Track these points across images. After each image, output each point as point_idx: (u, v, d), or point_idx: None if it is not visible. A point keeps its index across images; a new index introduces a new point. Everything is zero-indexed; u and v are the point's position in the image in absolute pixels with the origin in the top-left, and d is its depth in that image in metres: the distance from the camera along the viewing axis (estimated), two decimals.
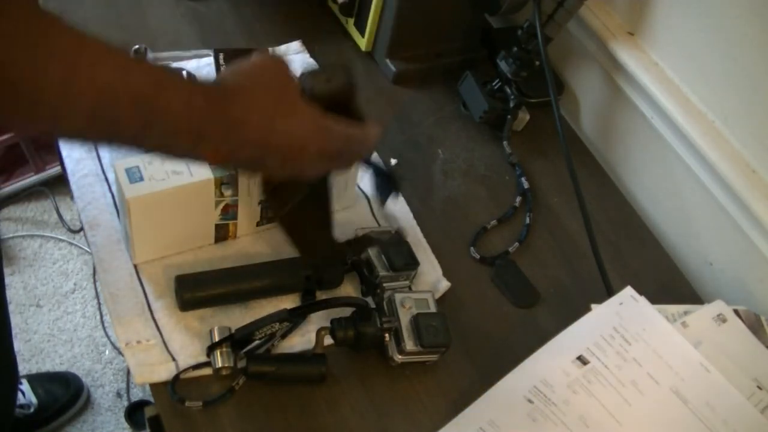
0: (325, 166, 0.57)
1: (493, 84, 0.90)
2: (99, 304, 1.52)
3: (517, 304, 0.76)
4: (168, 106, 0.46)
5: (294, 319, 0.62)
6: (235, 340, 0.62)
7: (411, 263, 0.71)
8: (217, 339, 0.62)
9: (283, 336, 0.66)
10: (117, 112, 0.43)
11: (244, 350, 0.63)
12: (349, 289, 0.72)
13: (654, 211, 0.90)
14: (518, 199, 0.85)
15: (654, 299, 0.70)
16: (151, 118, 0.45)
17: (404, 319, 0.66)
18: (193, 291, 0.66)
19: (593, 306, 0.71)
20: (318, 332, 0.65)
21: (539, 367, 0.66)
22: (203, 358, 0.64)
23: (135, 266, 0.69)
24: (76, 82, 0.41)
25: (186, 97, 0.47)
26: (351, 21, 0.97)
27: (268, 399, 0.64)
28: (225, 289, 0.67)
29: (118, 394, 1.43)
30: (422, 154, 0.88)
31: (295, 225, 0.61)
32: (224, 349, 0.62)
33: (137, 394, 1.42)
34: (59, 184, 1.62)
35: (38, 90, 0.40)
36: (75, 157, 0.77)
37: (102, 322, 1.49)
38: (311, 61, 0.93)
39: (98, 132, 0.46)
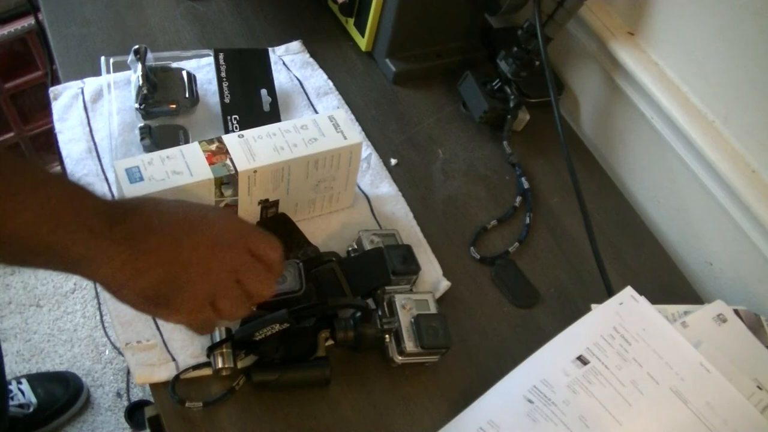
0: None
1: (493, 84, 0.89)
2: (99, 304, 1.51)
3: (517, 304, 0.76)
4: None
5: (294, 320, 0.62)
6: (236, 341, 0.62)
7: (413, 269, 0.70)
8: (217, 340, 0.62)
9: (284, 337, 0.66)
10: None
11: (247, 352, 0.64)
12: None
13: (654, 211, 0.90)
14: (518, 199, 0.85)
15: (654, 299, 0.70)
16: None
17: (404, 320, 0.66)
18: None
19: (593, 306, 0.71)
20: (319, 334, 0.65)
21: (539, 367, 0.66)
22: (203, 358, 0.64)
23: None
24: None
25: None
26: (351, 21, 0.97)
27: (268, 399, 0.64)
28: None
29: (118, 394, 1.43)
30: (422, 154, 0.88)
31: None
32: (224, 350, 0.62)
33: (137, 394, 1.42)
34: None
35: None
36: (75, 157, 0.77)
37: (102, 322, 1.49)
38: (311, 60, 0.93)
39: None
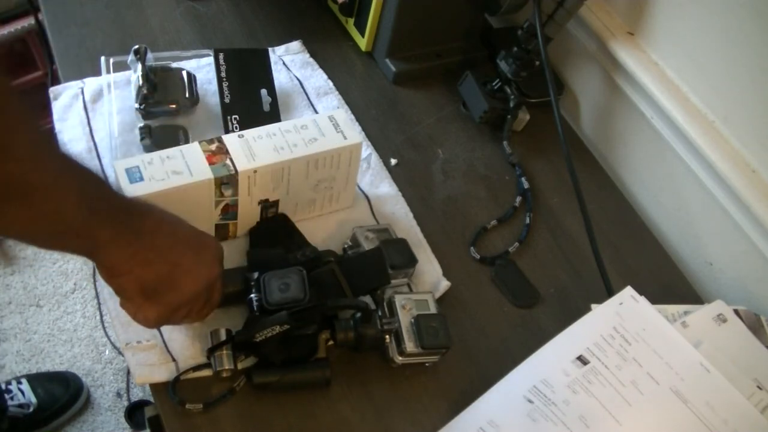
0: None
1: (493, 84, 0.89)
2: (99, 304, 1.51)
3: (517, 304, 0.76)
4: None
5: (294, 321, 0.61)
6: (236, 343, 0.62)
7: (409, 261, 0.70)
8: (217, 341, 0.62)
9: (284, 339, 0.66)
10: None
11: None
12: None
13: (654, 211, 0.90)
14: (518, 199, 0.85)
15: (654, 299, 0.70)
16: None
17: (405, 320, 0.66)
18: None
19: (593, 306, 0.71)
20: (319, 335, 0.65)
21: (539, 367, 0.66)
22: (203, 359, 0.64)
23: None
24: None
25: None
26: (351, 21, 0.97)
27: (268, 400, 0.64)
28: (224, 289, 0.67)
29: (118, 394, 1.43)
30: (422, 154, 0.88)
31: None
32: (225, 352, 0.62)
33: (137, 394, 1.42)
34: None
35: None
36: (75, 157, 0.77)
37: (102, 322, 1.49)
38: (311, 60, 0.93)
39: None
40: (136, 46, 0.80)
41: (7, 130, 0.41)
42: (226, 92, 0.83)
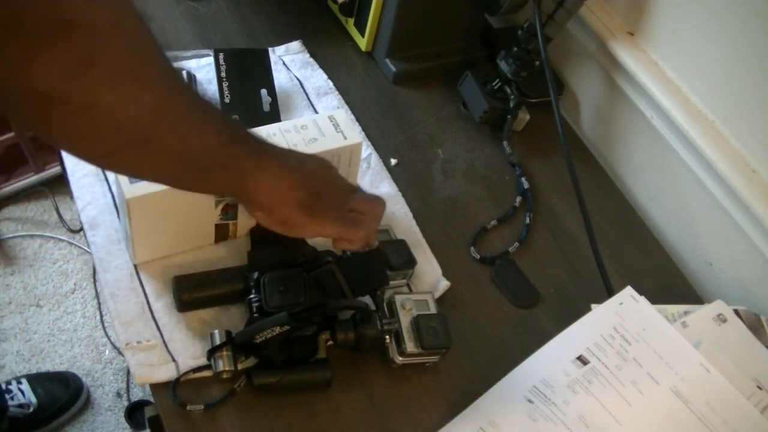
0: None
1: (493, 84, 0.89)
2: (99, 304, 1.51)
3: (517, 304, 0.76)
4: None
5: (294, 322, 0.61)
6: (236, 344, 0.62)
7: (408, 262, 0.70)
8: (217, 342, 0.62)
9: (284, 339, 0.66)
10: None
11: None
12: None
13: (654, 211, 0.90)
14: (518, 199, 0.85)
15: (654, 299, 0.70)
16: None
17: (405, 320, 0.66)
18: (192, 292, 0.66)
19: (593, 306, 0.71)
20: (320, 336, 0.65)
21: (539, 367, 0.66)
22: (204, 359, 0.64)
23: (135, 266, 0.69)
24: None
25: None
26: (351, 21, 0.96)
27: (269, 401, 0.64)
28: (224, 289, 0.67)
29: (118, 394, 1.43)
30: (422, 154, 0.88)
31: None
32: (225, 353, 0.62)
33: (137, 394, 1.42)
34: (59, 184, 1.62)
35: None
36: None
37: (102, 322, 1.49)
38: (311, 61, 0.93)
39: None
40: None
41: (147, 62, 0.42)
42: (226, 92, 0.82)
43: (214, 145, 0.47)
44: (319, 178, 0.58)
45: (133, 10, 0.39)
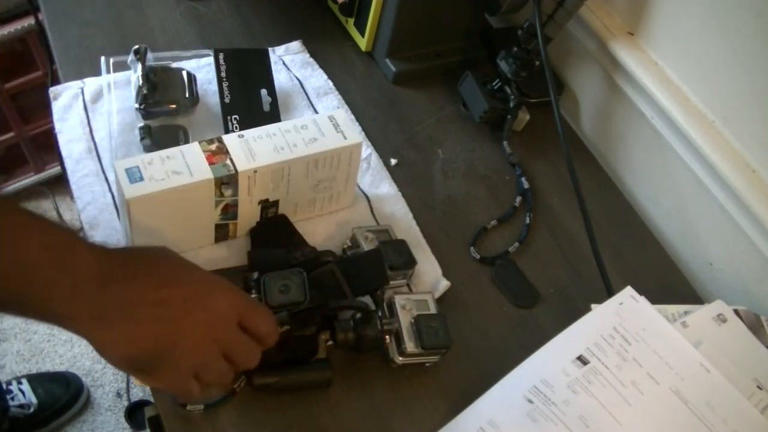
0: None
1: (493, 84, 0.89)
2: None
3: (517, 304, 0.76)
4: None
5: (294, 322, 0.61)
6: None
7: (407, 263, 0.70)
8: None
9: (284, 339, 0.66)
10: None
11: None
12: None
13: (654, 211, 0.90)
14: (518, 199, 0.85)
15: (654, 299, 0.70)
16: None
17: (405, 320, 0.66)
18: None
19: (593, 306, 0.71)
20: (320, 336, 0.65)
21: (539, 367, 0.66)
22: None
23: None
24: None
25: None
26: (351, 21, 0.96)
27: (269, 401, 0.64)
28: None
29: (118, 394, 1.43)
30: (422, 154, 0.88)
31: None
32: None
33: (137, 394, 1.42)
34: (59, 184, 1.62)
35: None
36: (75, 157, 0.77)
37: None
38: (311, 61, 0.93)
39: None
40: (136, 46, 0.80)
41: None
42: (226, 92, 0.83)
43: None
44: (182, 339, 0.48)
45: None
